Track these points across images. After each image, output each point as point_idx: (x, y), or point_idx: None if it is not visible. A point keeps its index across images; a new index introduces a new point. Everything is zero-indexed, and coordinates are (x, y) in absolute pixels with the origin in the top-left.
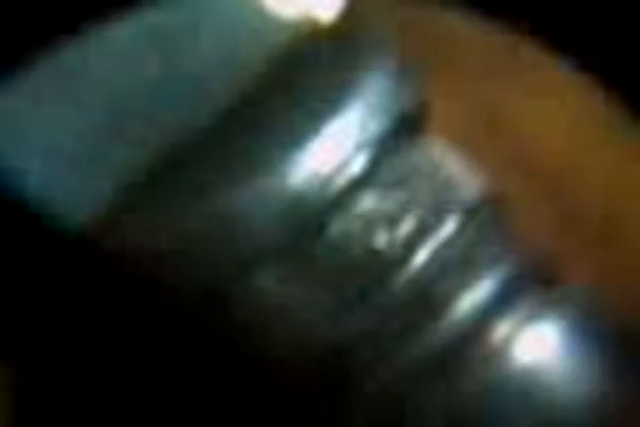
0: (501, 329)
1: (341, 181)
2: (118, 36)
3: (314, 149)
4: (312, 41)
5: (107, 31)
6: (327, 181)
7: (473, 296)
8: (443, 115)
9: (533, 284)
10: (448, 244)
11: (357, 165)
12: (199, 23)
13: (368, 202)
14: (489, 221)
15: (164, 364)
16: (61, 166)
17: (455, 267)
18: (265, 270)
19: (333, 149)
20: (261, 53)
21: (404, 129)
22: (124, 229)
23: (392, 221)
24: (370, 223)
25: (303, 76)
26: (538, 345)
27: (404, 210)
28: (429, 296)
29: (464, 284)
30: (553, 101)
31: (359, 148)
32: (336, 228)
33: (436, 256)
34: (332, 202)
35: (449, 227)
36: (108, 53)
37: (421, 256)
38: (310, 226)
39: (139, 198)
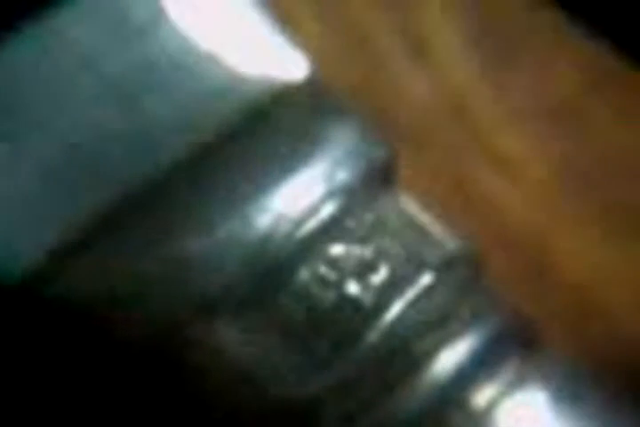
0: (484, 393)
1: (310, 226)
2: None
3: (281, 194)
4: (277, 97)
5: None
6: (295, 225)
7: (453, 355)
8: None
9: (516, 345)
10: (425, 296)
11: (326, 212)
12: (158, 75)
13: (338, 249)
14: (468, 276)
15: (112, 408)
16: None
17: (434, 321)
18: (225, 318)
19: (301, 196)
20: (223, 106)
21: (373, 180)
22: (71, 273)
23: (364, 270)
24: (341, 270)
25: (269, 128)
26: (522, 412)
27: (377, 259)
28: (407, 352)
29: (444, 340)
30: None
31: (327, 195)
32: (304, 274)
33: (412, 308)
34: (299, 247)
35: (426, 279)
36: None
37: (397, 307)
38: (276, 272)
39: (90, 241)
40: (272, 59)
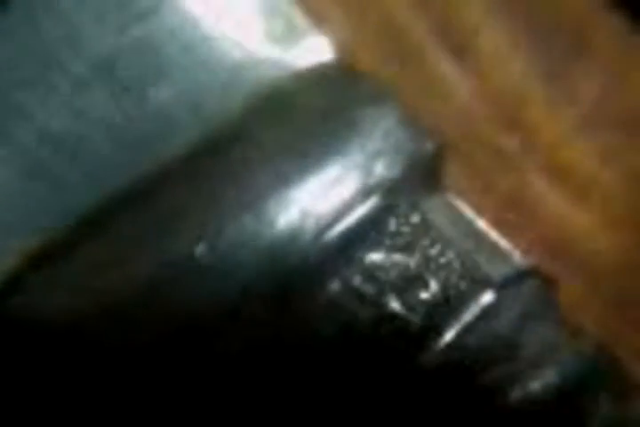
0: None
1: (342, 226)
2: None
3: (307, 187)
4: (301, 78)
5: None
6: (324, 225)
7: (525, 393)
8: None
9: (603, 385)
10: (486, 319)
11: (362, 210)
12: (161, 59)
13: (377, 256)
14: (537, 297)
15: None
16: None
17: (498, 351)
18: (232, 338)
19: (332, 190)
20: (239, 89)
21: (418, 176)
22: (52, 280)
23: (409, 283)
24: (379, 283)
25: (293, 110)
26: None
27: (424, 270)
28: (466, 389)
29: (512, 375)
30: None
31: (364, 191)
32: (335, 285)
33: (471, 334)
34: (329, 252)
35: (487, 298)
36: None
37: (452, 332)
38: (299, 280)
39: (76, 244)
40: (294, 41)
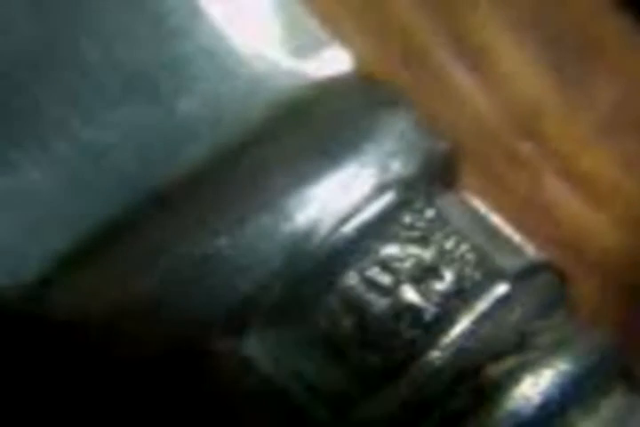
0: None
1: (359, 221)
2: None
3: (325, 184)
4: (320, 89)
5: None
6: (341, 220)
7: (535, 384)
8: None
9: (615, 378)
10: (500, 309)
11: (379, 205)
12: (189, 72)
13: (393, 249)
14: (550, 291)
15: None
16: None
17: (510, 342)
18: (256, 329)
19: (349, 186)
20: (260, 99)
21: (433, 175)
22: (80, 281)
23: (424, 274)
24: (396, 273)
25: (312, 118)
26: None
27: (439, 262)
28: (477, 377)
29: (523, 366)
30: None
31: (380, 187)
32: (352, 277)
33: (484, 324)
34: (346, 245)
35: (501, 289)
36: None
37: (465, 321)
38: (317, 273)
39: (103, 246)
40: (314, 52)
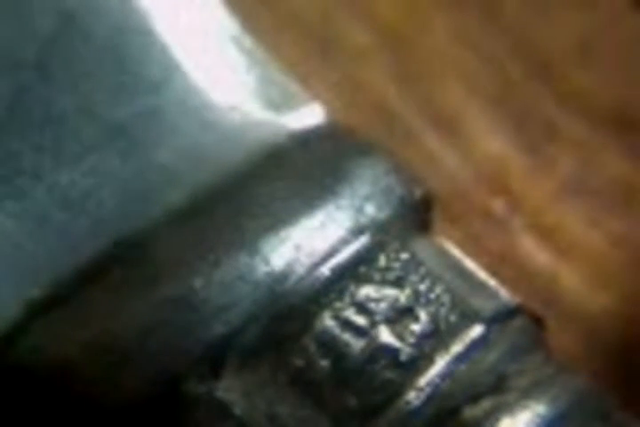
0: None
1: (335, 262)
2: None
3: (302, 226)
4: (296, 139)
5: None
6: (317, 261)
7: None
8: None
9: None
10: (475, 351)
11: (354, 247)
12: (166, 123)
13: (368, 290)
14: (526, 334)
15: None
16: None
17: (487, 384)
18: (231, 371)
19: (326, 229)
20: (237, 150)
21: (408, 219)
22: (50, 327)
23: (400, 315)
24: (371, 315)
25: (288, 167)
26: None
27: (414, 303)
28: (455, 419)
29: (500, 407)
30: None
31: (356, 230)
32: (327, 318)
33: (460, 365)
34: (322, 286)
35: (476, 331)
36: None
37: (441, 362)
38: (293, 315)
39: (74, 290)
40: (287, 105)
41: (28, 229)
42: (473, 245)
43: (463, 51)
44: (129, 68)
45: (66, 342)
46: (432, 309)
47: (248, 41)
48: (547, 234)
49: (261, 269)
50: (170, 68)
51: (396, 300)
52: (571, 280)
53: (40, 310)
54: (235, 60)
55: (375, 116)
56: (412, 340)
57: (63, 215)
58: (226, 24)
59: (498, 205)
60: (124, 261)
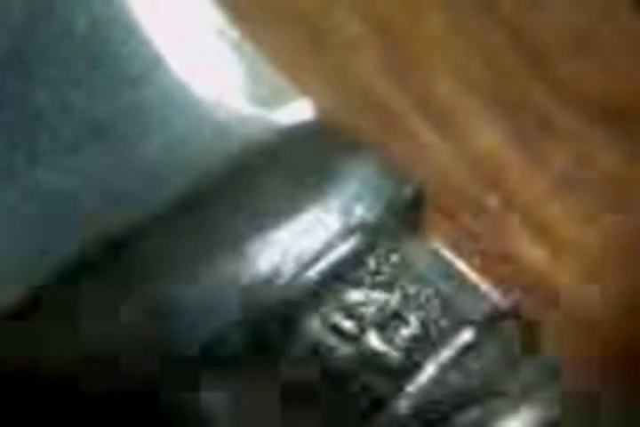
0: None
1: (323, 266)
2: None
3: (288, 228)
4: (283, 136)
5: None
6: (304, 265)
7: None
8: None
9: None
10: (466, 357)
11: (342, 250)
12: (152, 119)
13: (356, 295)
14: (519, 338)
15: None
16: None
17: (478, 390)
18: (215, 378)
19: (313, 231)
20: (223, 146)
21: (398, 219)
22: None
23: (389, 320)
24: (360, 319)
25: (274, 165)
26: None
27: (404, 308)
28: (444, 423)
29: (491, 415)
30: None
31: (344, 232)
32: (315, 324)
33: (451, 371)
34: (309, 291)
35: (467, 336)
36: None
37: (431, 368)
38: (279, 320)
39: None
40: (275, 101)
41: (6, 233)
42: (467, 241)
43: (457, 43)
44: (109, 62)
45: (49, 348)
46: (422, 313)
47: (235, 34)
48: (541, 229)
49: (247, 273)
50: (151, 62)
51: (386, 304)
52: (565, 275)
53: (16, 313)
54: (220, 54)
55: (367, 108)
56: (401, 345)
57: (38, 216)
58: (211, 16)
59: (492, 201)
60: (104, 264)
